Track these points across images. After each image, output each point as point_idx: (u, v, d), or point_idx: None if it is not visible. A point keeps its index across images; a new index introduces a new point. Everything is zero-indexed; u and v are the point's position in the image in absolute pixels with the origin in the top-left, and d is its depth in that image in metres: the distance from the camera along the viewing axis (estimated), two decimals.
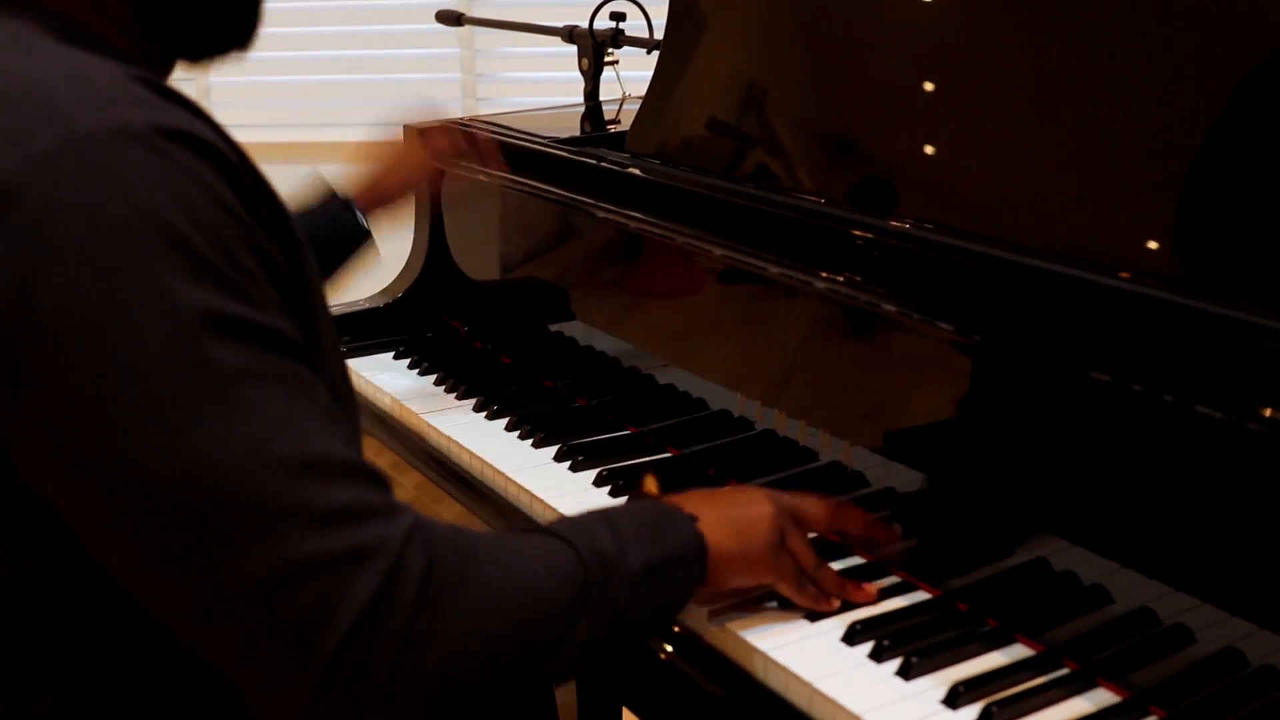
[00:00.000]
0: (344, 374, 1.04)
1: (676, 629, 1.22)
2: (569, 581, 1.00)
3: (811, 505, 1.23)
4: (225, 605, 0.85)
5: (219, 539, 0.84)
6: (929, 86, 1.44)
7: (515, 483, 1.51)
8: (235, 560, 0.84)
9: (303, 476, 0.86)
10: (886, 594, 1.23)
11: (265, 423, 0.85)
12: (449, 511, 1.69)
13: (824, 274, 1.33)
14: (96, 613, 0.92)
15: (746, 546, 1.15)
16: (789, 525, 1.19)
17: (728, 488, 1.28)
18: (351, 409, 1.04)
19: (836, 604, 1.20)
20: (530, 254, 1.92)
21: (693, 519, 1.13)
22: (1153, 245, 1.20)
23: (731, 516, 1.16)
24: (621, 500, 1.44)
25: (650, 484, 1.37)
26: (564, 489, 1.48)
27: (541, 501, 1.46)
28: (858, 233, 1.35)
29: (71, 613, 0.91)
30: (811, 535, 1.23)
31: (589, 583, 1.00)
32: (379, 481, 0.92)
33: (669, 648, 1.22)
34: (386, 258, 2.20)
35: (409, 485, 1.71)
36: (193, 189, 0.85)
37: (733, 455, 1.49)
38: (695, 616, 1.21)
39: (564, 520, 1.09)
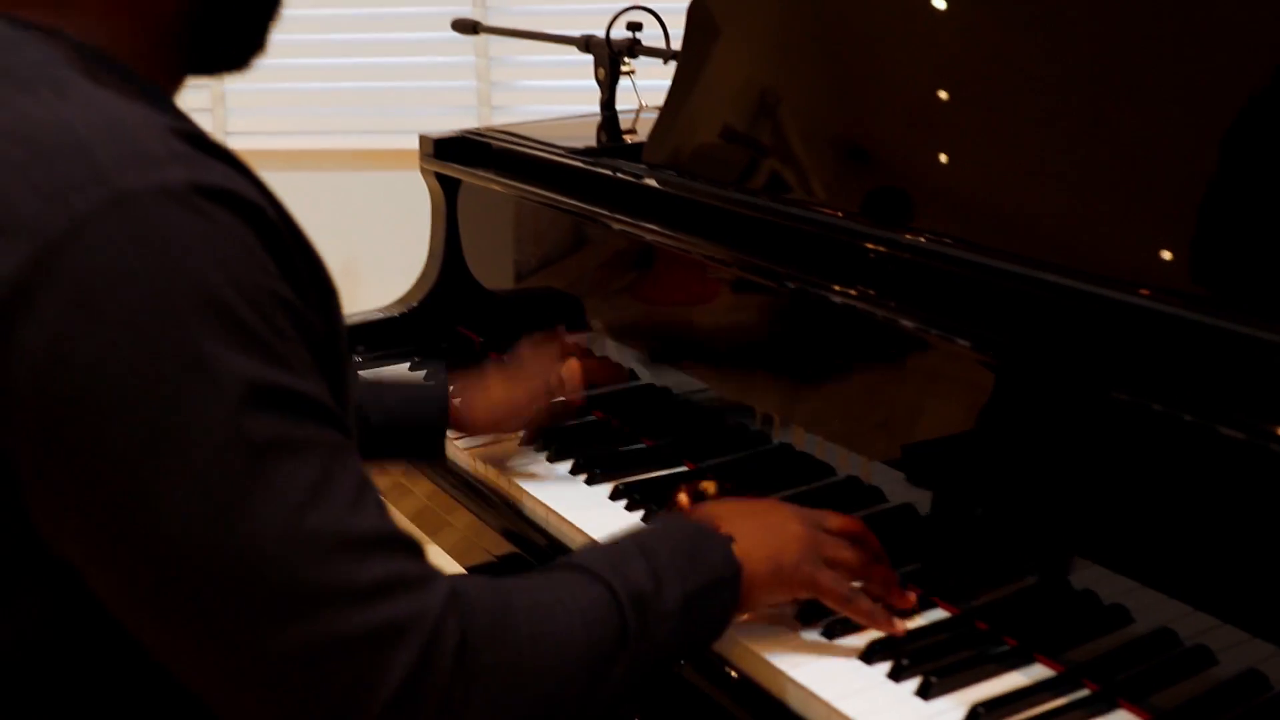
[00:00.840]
0: (364, 423, 1.04)
1: None
2: (606, 628, 1.00)
3: (841, 542, 1.21)
4: (262, 680, 0.84)
5: (255, 615, 0.83)
6: (945, 98, 1.44)
7: (532, 496, 1.51)
8: (272, 636, 0.83)
9: (339, 552, 0.85)
10: (905, 612, 1.22)
11: (302, 496, 0.84)
12: (460, 520, 1.69)
13: (842, 288, 1.33)
14: (109, 669, 0.91)
15: (780, 564, 1.15)
16: (822, 536, 1.19)
17: (756, 501, 1.27)
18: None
19: (900, 628, 1.17)
20: (545, 264, 1.91)
21: (728, 540, 1.12)
22: (1173, 261, 1.19)
23: (764, 534, 1.16)
24: (638, 514, 1.44)
25: (683, 498, 1.37)
26: (581, 503, 1.48)
27: (558, 515, 1.46)
28: (876, 246, 1.35)
29: (83, 668, 0.90)
30: None
31: (626, 626, 1.01)
32: (412, 549, 0.91)
33: (683, 661, 1.21)
34: (402, 267, 2.21)
35: (421, 495, 1.71)
36: (233, 252, 0.83)
37: (749, 469, 1.48)
38: None
39: (598, 551, 1.08)
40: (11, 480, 0.83)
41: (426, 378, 1.63)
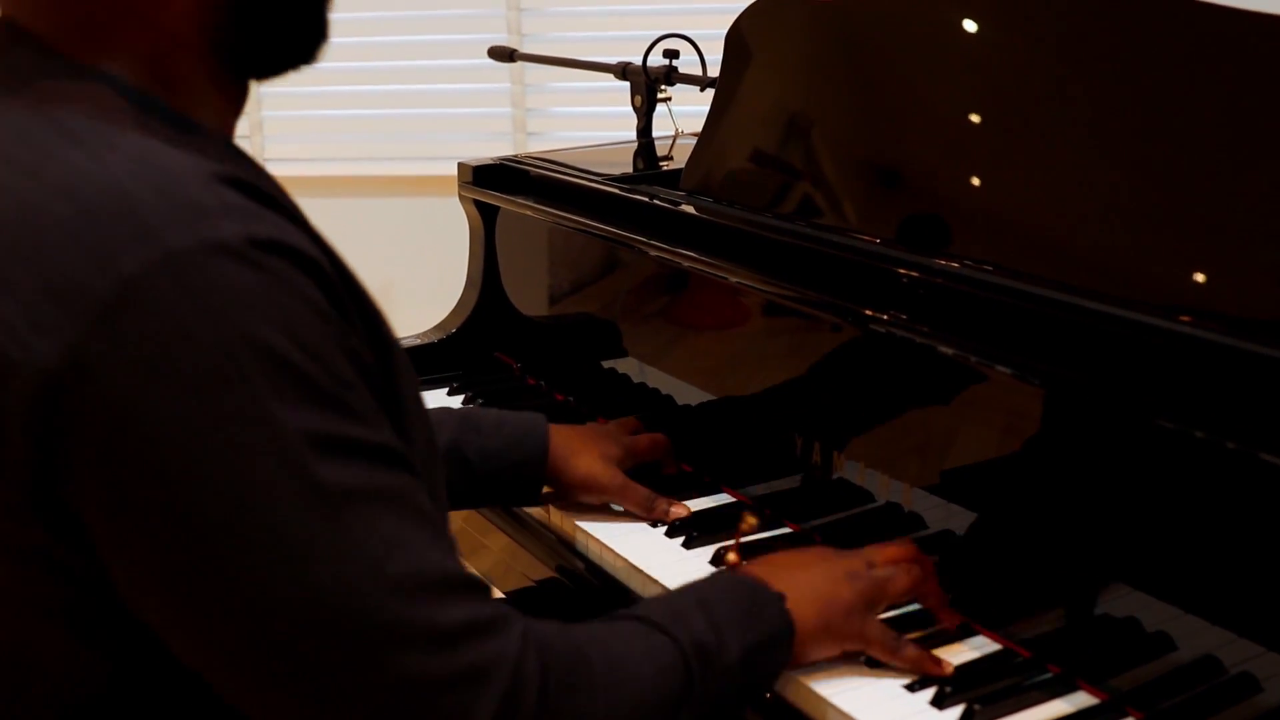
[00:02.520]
0: (435, 461, 1.02)
1: None
2: (674, 679, 1.01)
3: (898, 571, 1.22)
4: None
5: (340, 665, 0.84)
6: (979, 123, 1.44)
7: (570, 520, 1.51)
8: (358, 686, 0.84)
9: (420, 597, 0.86)
10: (947, 639, 1.21)
11: (379, 544, 0.84)
12: (496, 543, 1.69)
13: (876, 313, 1.33)
14: (184, 714, 0.91)
15: (829, 621, 1.16)
16: (871, 586, 1.19)
17: (805, 553, 1.27)
18: (441, 499, 1.02)
19: (948, 668, 1.17)
20: (582, 290, 1.92)
21: (781, 597, 1.13)
22: (1213, 286, 1.19)
23: (814, 590, 1.16)
24: (678, 540, 1.44)
25: (733, 556, 1.37)
26: (621, 529, 1.48)
27: (597, 540, 1.46)
28: (911, 272, 1.35)
29: (158, 715, 0.90)
30: None
31: (691, 678, 1.02)
32: (484, 589, 0.92)
33: None
34: (439, 293, 2.22)
35: (457, 518, 1.71)
36: (291, 303, 0.82)
37: (789, 496, 1.48)
38: None
39: (659, 605, 1.09)
40: (87, 543, 0.83)
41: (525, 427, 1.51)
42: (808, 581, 1.17)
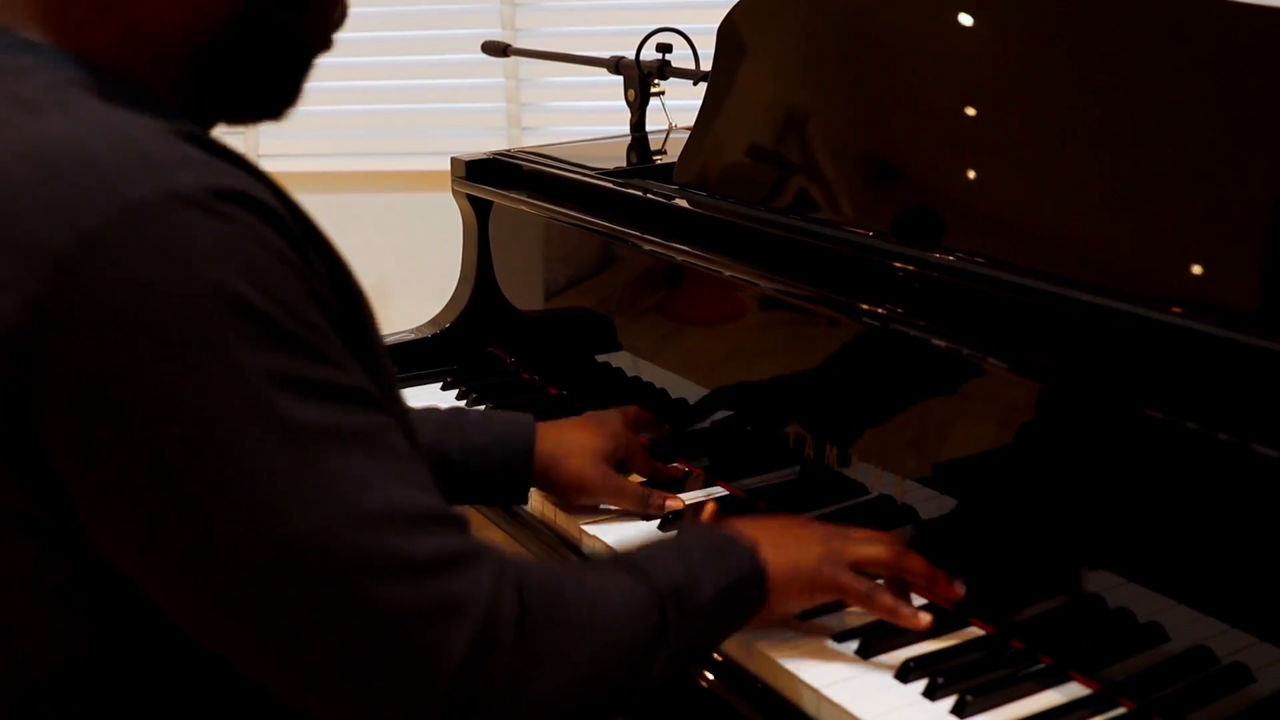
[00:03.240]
0: (404, 412, 1.03)
1: (722, 659, 1.22)
2: (649, 618, 1.02)
3: (875, 538, 1.23)
4: (330, 664, 0.86)
5: (318, 601, 0.84)
6: (974, 116, 1.44)
7: (566, 518, 1.51)
8: (336, 620, 0.85)
9: (392, 531, 0.86)
10: (939, 630, 1.22)
11: (351, 481, 0.85)
12: (491, 538, 1.69)
13: (872, 306, 1.33)
14: (167, 673, 0.92)
15: (799, 567, 1.17)
16: (843, 543, 1.20)
17: (781, 515, 1.28)
18: (413, 440, 1.02)
19: (924, 620, 1.18)
20: (576, 284, 1.92)
21: (754, 544, 1.14)
22: (1205, 278, 1.19)
23: (784, 539, 1.18)
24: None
25: (709, 513, 1.38)
26: (618, 526, 1.48)
27: (591, 536, 1.46)
28: (906, 265, 1.35)
29: (140, 675, 0.91)
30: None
31: (666, 616, 1.03)
32: (460, 523, 0.92)
33: (713, 677, 1.22)
34: (433, 288, 2.22)
35: None
36: (252, 250, 0.83)
37: (783, 489, 1.49)
38: (743, 649, 1.21)
39: (633, 550, 1.10)
40: (65, 500, 0.84)
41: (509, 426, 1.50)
42: (780, 535, 1.18)
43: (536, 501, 1.56)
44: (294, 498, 0.83)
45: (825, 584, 1.18)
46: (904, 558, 1.22)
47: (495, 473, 1.46)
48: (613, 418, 1.56)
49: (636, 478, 1.54)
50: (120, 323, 0.80)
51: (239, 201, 0.84)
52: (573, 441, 1.49)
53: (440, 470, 1.41)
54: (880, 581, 1.21)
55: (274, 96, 1.02)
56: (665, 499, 1.48)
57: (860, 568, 1.20)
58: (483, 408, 1.83)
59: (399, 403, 1.03)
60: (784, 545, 1.17)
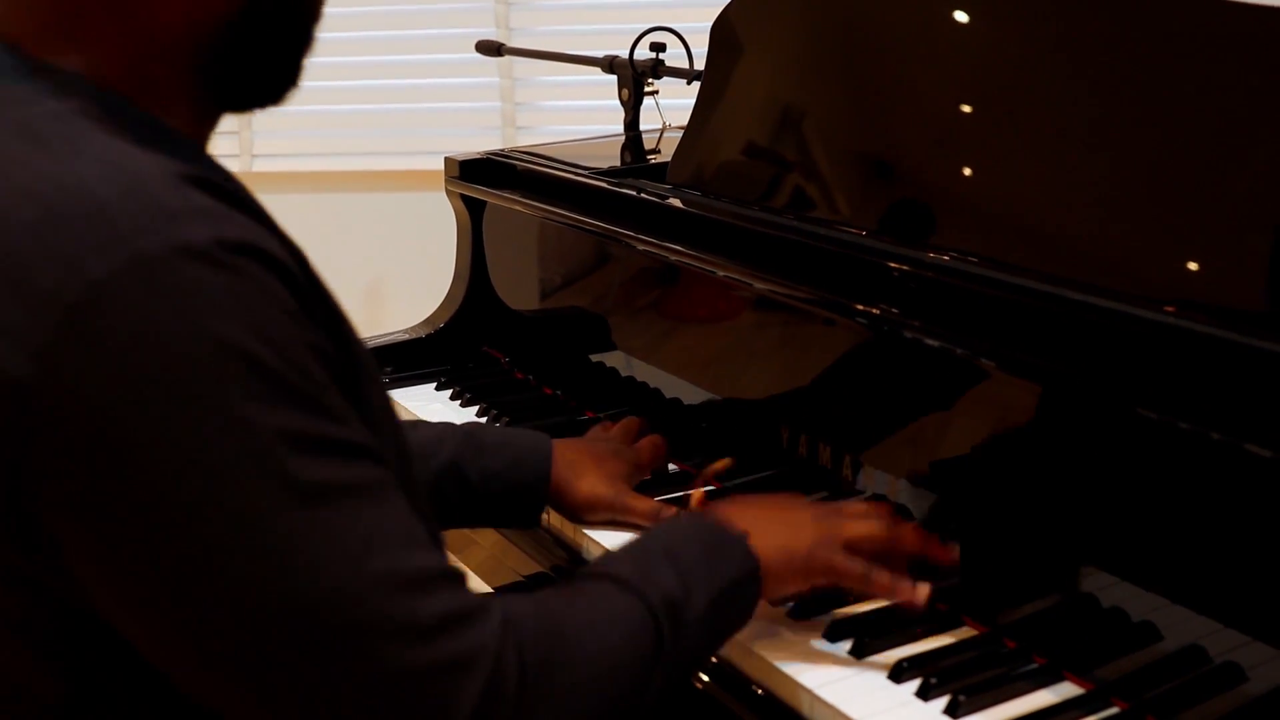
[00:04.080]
0: (406, 458, 1.02)
1: (716, 660, 1.22)
2: (645, 639, 1.02)
3: (868, 513, 1.24)
4: None
5: (326, 663, 0.84)
6: (970, 115, 1.44)
7: (559, 517, 1.51)
8: (343, 681, 0.84)
9: (399, 591, 0.86)
10: (932, 630, 1.22)
11: (357, 540, 0.84)
12: (487, 540, 1.69)
13: (866, 306, 1.33)
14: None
15: (793, 554, 1.17)
16: (834, 522, 1.20)
17: (771, 496, 1.28)
18: (417, 493, 1.01)
19: (922, 594, 1.18)
20: (570, 284, 1.92)
21: (744, 535, 1.14)
22: (1199, 277, 1.19)
23: (776, 525, 1.18)
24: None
25: (698, 494, 1.38)
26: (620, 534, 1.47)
27: (587, 537, 1.46)
28: (900, 265, 1.35)
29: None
30: None
31: (660, 636, 1.02)
32: (460, 579, 0.92)
33: (708, 679, 1.22)
34: (427, 288, 2.21)
35: None
36: (260, 304, 0.82)
37: (776, 487, 1.48)
38: (737, 650, 1.21)
39: (625, 558, 1.09)
40: (55, 554, 0.83)
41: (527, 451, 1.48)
42: (771, 518, 1.18)
43: None
44: (302, 558, 0.82)
45: (820, 568, 1.18)
46: (896, 529, 1.23)
47: (512, 497, 1.44)
48: (623, 435, 1.57)
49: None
50: (126, 376, 0.78)
51: (247, 254, 0.83)
52: (587, 462, 1.48)
53: (457, 492, 1.41)
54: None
55: (279, 79, 1.00)
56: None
57: (854, 546, 1.20)
58: (479, 409, 1.83)
59: (401, 446, 1.01)
60: (775, 532, 1.17)
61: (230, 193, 0.87)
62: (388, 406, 1.00)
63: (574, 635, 0.98)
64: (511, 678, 0.90)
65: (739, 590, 1.12)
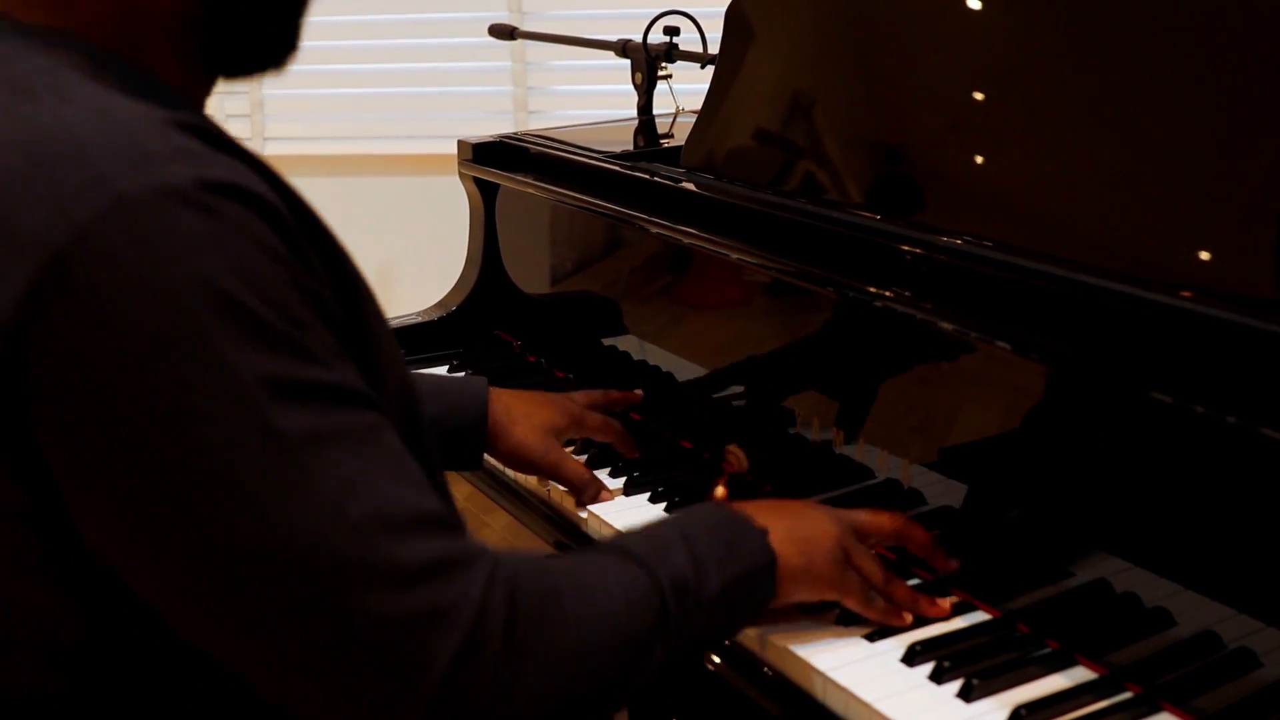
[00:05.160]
0: (412, 402, 1.02)
1: (728, 643, 1.22)
2: (648, 613, 1.01)
3: (874, 518, 1.24)
4: (313, 667, 0.86)
5: (305, 606, 0.84)
6: (982, 100, 1.44)
7: (570, 499, 1.51)
8: (321, 626, 0.84)
9: (381, 537, 0.85)
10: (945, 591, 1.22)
11: (341, 485, 0.84)
12: (499, 522, 1.69)
13: (883, 290, 1.33)
14: (155, 668, 0.91)
15: (810, 561, 1.16)
16: (852, 541, 1.20)
17: (790, 501, 1.28)
18: (421, 438, 1.01)
19: (908, 619, 1.19)
20: (582, 268, 1.92)
21: (764, 531, 1.14)
22: (1217, 263, 1.19)
23: (797, 530, 1.17)
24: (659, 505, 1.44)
25: (720, 490, 1.38)
26: (621, 508, 1.48)
27: (597, 518, 1.46)
28: (913, 248, 1.34)
29: (128, 668, 0.91)
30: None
31: (666, 613, 1.01)
32: (454, 525, 0.92)
33: (720, 660, 1.22)
34: (439, 271, 2.22)
35: (459, 496, 1.71)
36: (242, 246, 0.82)
37: (789, 472, 1.48)
38: (751, 634, 1.21)
39: (640, 536, 1.09)
40: (56, 492, 0.84)
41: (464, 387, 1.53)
42: (792, 522, 1.18)
43: (536, 482, 1.57)
44: (281, 502, 0.83)
45: (830, 581, 1.18)
46: (904, 538, 1.23)
47: (449, 441, 1.46)
48: (572, 397, 1.58)
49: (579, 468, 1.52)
50: (109, 319, 0.79)
51: (231, 195, 0.83)
52: (520, 410, 1.50)
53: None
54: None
55: (276, 43, 1.00)
56: (600, 491, 1.49)
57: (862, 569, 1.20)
58: (432, 371, 1.83)
59: (405, 385, 1.01)
60: (796, 534, 1.16)
61: (218, 135, 0.87)
62: (393, 348, 0.99)
63: (572, 596, 0.97)
64: (496, 632, 0.89)
65: (753, 581, 1.11)
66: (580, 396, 1.61)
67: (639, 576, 1.02)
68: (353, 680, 0.86)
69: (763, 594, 1.13)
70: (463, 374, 1.83)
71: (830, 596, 1.19)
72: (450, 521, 0.91)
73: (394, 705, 0.86)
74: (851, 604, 1.19)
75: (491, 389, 1.50)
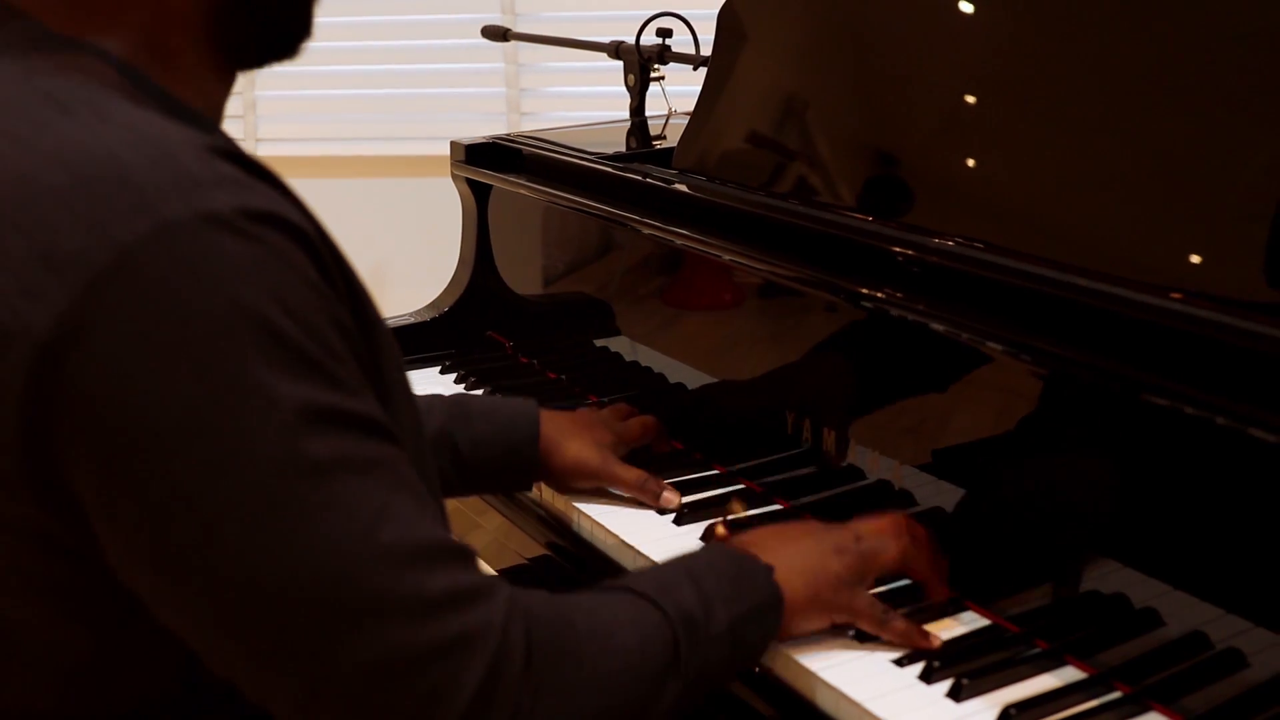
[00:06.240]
0: (420, 434, 1.02)
1: None
2: (660, 648, 1.01)
3: (877, 525, 1.23)
4: (338, 698, 0.86)
5: (332, 633, 0.84)
6: (974, 102, 1.44)
7: (561, 499, 1.51)
8: (346, 654, 0.85)
9: (408, 566, 0.86)
10: (936, 615, 1.22)
11: (368, 514, 0.85)
12: (491, 523, 1.69)
13: (875, 291, 1.33)
14: (170, 682, 0.92)
15: (817, 592, 1.16)
16: (858, 560, 1.19)
17: (792, 526, 1.28)
18: (429, 471, 1.01)
19: (935, 642, 1.18)
20: (576, 269, 1.92)
21: (770, 569, 1.14)
22: (1207, 265, 1.19)
23: (801, 562, 1.17)
24: (668, 517, 1.44)
25: (721, 529, 1.38)
26: (610, 506, 1.49)
27: (589, 518, 1.47)
28: (905, 250, 1.35)
29: (145, 690, 0.91)
30: None
31: (678, 648, 1.02)
32: (469, 556, 0.92)
33: None
34: (432, 272, 2.22)
35: (451, 501, 1.72)
36: (283, 274, 0.83)
37: (780, 473, 1.49)
38: None
39: (648, 576, 1.09)
40: (79, 515, 0.83)
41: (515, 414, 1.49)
42: (796, 554, 1.17)
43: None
44: (310, 530, 0.83)
45: (841, 608, 1.17)
46: (914, 558, 1.22)
47: (502, 462, 1.45)
48: (611, 415, 1.58)
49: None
50: (149, 342, 0.79)
51: (272, 224, 0.83)
52: (571, 428, 1.50)
53: (448, 460, 1.41)
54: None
55: (292, 31, 1.00)
56: (664, 487, 1.48)
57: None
58: (483, 393, 1.83)
59: (415, 423, 1.01)
60: (800, 566, 1.16)
61: (255, 164, 0.87)
62: (404, 382, 1.00)
63: (586, 629, 0.97)
64: (517, 660, 0.90)
65: (760, 616, 1.11)
66: (608, 413, 1.60)
67: (650, 612, 1.02)
68: (378, 709, 0.86)
69: (769, 629, 1.13)
70: (512, 396, 1.77)
71: (842, 620, 1.18)
72: (467, 554, 0.92)
73: None
74: (866, 626, 1.18)
75: (542, 410, 1.49)
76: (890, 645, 1.17)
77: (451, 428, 1.43)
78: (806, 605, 1.16)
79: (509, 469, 1.47)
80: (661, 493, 1.47)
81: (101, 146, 0.82)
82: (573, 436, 1.49)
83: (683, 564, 1.12)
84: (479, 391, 1.84)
